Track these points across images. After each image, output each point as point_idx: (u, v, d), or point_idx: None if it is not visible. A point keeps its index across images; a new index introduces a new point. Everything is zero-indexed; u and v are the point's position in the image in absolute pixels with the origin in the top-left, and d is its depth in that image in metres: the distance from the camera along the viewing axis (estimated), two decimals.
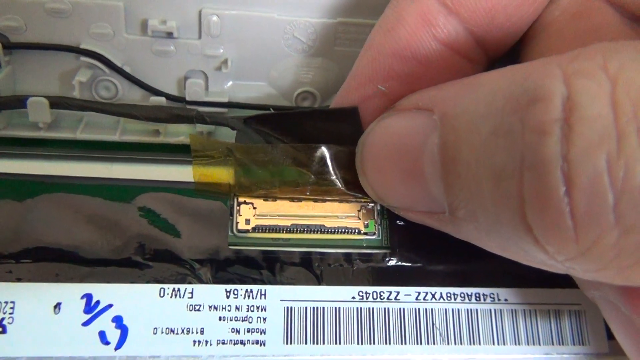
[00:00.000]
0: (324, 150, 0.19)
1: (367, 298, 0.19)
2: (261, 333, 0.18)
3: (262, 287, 0.18)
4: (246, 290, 0.18)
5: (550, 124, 0.12)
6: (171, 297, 0.18)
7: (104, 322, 0.17)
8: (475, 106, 0.15)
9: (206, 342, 0.18)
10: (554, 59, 0.13)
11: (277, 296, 0.18)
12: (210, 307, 0.18)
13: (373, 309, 0.19)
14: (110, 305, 0.17)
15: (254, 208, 0.19)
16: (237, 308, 0.18)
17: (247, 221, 0.19)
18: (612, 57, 0.12)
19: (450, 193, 0.15)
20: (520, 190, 0.13)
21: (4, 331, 0.17)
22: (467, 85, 0.16)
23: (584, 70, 0.12)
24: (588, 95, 0.12)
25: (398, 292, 0.19)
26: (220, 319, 0.18)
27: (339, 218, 0.19)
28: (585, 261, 0.13)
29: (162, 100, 0.22)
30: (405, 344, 0.18)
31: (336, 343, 0.18)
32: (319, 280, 0.19)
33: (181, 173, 0.20)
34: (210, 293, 0.18)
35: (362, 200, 0.20)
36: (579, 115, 0.12)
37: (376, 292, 0.19)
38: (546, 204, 0.12)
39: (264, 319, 0.18)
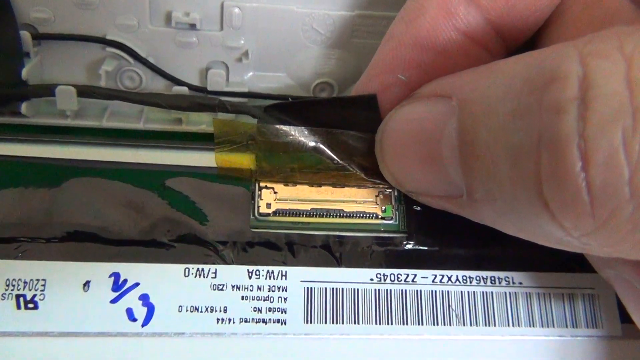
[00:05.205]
0: (343, 136, 0.19)
1: (384, 280, 0.19)
2: (282, 312, 0.18)
3: (283, 269, 0.19)
4: (267, 271, 0.19)
5: (566, 103, 0.13)
6: (195, 276, 0.18)
7: (131, 299, 0.18)
8: (493, 90, 0.15)
9: (229, 320, 0.18)
10: (570, 43, 0.14)
11: (298, 277, 0.19)
12: (233, 286, 0.19)
13: (391, 290, 0.19)
14: (137, 284, 0.18)
15: (275, 192, 0.20)
16: (259, 288, 0.19)
17: (268, 205, 0.20)
18: (628, 39, 0.13)
19: (469, 175, 0.16)
20: (537, 167, 0.13)
21: (35, 307, 0.17)
22: (485, 71, 0.16)
23: (600, 51, 0.13)
24: (604, 74, 0.12)
25: (415, 275, 0.19)
26: (242, 298, 0.18)
27: (357, 203, 0.20)
28: (601, 236, 0.13)
29: (184, 89, 0.23)
30: (422, 324, 0.19)
31: (355, 323, 0.19)
32: (338, 263, 0.19)
33: (204, 159, 0.20)
34: (233, 273, 0.19)
35: (380, 186, 0.20)
36: (594, 93, 0.12)
37: (394, 275, 0.19)
38: (563, 180, 0.13)
39: (285, 299, 0.19)
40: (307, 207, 0.20)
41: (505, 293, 0.20)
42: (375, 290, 0.19)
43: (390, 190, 0.20)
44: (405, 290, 0.19)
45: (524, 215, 0.14)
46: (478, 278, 0.20)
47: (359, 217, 0.20)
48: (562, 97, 0.13)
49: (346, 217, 0.20)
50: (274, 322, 0.18)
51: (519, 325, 0.19)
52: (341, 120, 0.20)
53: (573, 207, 0.13)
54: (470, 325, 0.19)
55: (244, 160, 0.20)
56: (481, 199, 0.16)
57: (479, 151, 0.15)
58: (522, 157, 0.14)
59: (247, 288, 0.19)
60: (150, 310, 0.18)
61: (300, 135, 0.19)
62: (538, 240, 0.16)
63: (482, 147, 0.15)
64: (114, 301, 0.18)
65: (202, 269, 0.19)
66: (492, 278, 0.20)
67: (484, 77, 0.16)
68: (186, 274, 0.18)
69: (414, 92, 0.19)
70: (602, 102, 0.12)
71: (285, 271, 0.19)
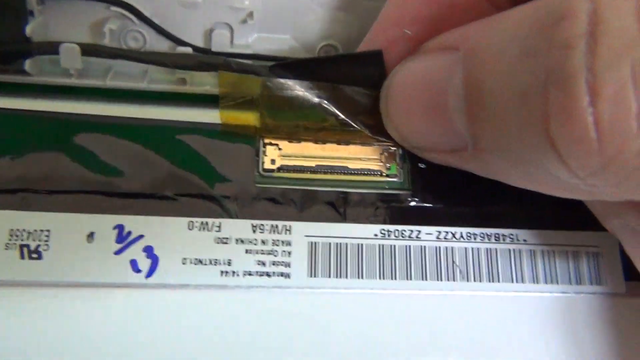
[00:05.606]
0: (348, 91, 0.19)
1: (389, 236, 0.19)
2: (286, 266, 0.18)
3: (287, 223, 0.19)
4: (272, 226, 0.19)
5: (575, 39, 0.12)
6: (199, 230, 0.18)
7: (135, 251, 0.18)
8: (500, 36, 0.15)
9: (233, 272, 0.18)
10: None
11: (302, 232, 0.19)
12: (237, 240, 0.18)
13: (395, 246, 0.19)
14: (142, 236, 0.18)
15: (279, 149, 0.20)
16: (262, 242, 0.19)
17: (273, 161, 0.20)
18: None
19: (474, 124, 0.16)
20: (544, 106, 0.13)
21: (39, 257, 0.17)
22: (492, 20, 0.16)
23: None
24: (613, 9, 0.12)
25: (419, 231, 0.19)
26: (246, 251, 0.18)
27: (361, 160, 0.20)
28: (607, 174, 0.13)
29: (188, 50, 0.23)
30: (426, 279, 0.19)
31: (359, 277, 0.19)
32: (342, 219, 0.19)
33: (209, 116, 0.20)
34: (237, 227, 0.19)
35: (385, 143, 0.20)
36: (604, 27, 0.12)
37: (398, 231, 0.19)
38: (570, 116, 0.13)
39: (289, 253, 0.19)
40: (312, 163, 0.20)
41: (510, 250, 0.20)
42: (379, 245, 0.19)
43: (394, 149, 0.20)
44: (410, 246, 0.19)
45: (530, 159, 0.14)
46: (482, 235, 0.20)
47: (364, 174, 0.20)
48: (570, 34, 0.13)
49: (351, 174, 0.20)
50: (278, 275, 0.18)
51: (522, 282, 0.19)
52: (346, 78, 0.20)
53: (580, 144, 0.13)
54: (474, 281, 0.19)
55: (248, 117, 0.20)
56: (487, 148, 0.16)
57: (486, 98, 0.15)
58: (529, 98, 0.14)
59: (251, 242, 0.19)
60: (155, 262, 0.18)
61: (305, 89, 0.19)
62: (544, 188, 0.16)
63: (489, 94, 0.15)
64: (118, 252, 0.18)
65: (206, 223, 0.19)
66: (497, 235, 0.20)
67: (491, 25, 0.16)
68: (190, 227, 0.18)
69: (420, 46, 0.19)
70: (611, 36, 0.12)
71: (290, 226, 0.19)
